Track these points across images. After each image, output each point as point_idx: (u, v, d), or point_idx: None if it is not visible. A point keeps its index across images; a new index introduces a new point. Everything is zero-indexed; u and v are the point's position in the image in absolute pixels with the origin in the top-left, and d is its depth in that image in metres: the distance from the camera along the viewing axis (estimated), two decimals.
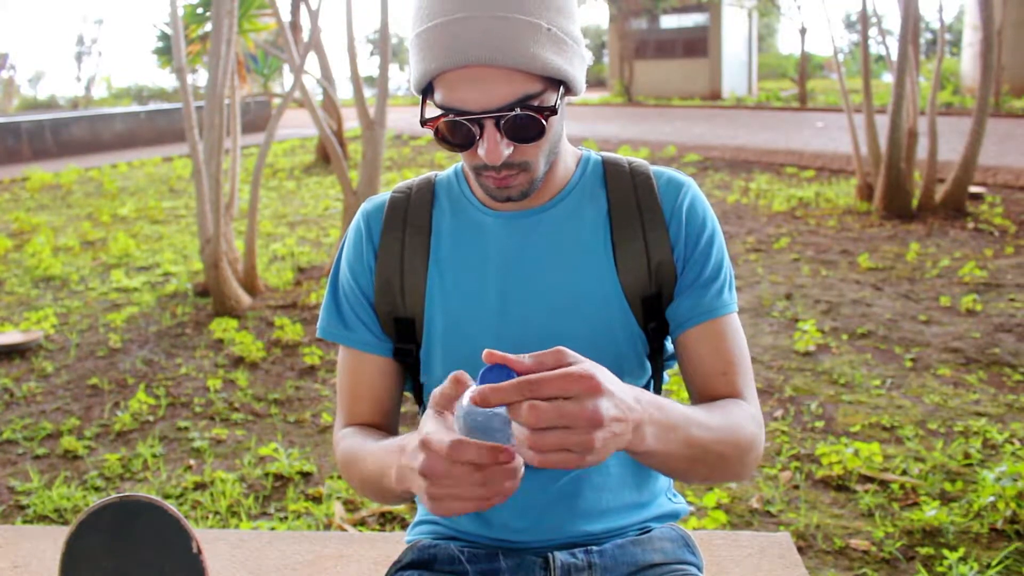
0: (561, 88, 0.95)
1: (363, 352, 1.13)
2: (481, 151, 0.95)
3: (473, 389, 0.75)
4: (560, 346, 0.78)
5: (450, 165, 1.19)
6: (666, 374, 1.19)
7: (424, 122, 0.96)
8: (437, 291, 1.08)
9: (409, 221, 1.11)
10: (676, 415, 0.89)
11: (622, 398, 0.78)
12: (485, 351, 0.76)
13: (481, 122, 0.93)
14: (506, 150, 0.95)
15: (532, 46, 0.91)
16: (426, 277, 1.09)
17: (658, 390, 1.16)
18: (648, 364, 1.11)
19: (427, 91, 0.97)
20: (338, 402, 1.16)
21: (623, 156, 1.15)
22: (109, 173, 12.64)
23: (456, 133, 0.95)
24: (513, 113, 0.92)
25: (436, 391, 0.82)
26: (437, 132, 0.96)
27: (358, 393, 1.13)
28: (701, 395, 1.07)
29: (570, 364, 0.76)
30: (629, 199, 1.09)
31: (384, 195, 1.15)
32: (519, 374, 0.75)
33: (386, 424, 1.14)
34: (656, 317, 1.09)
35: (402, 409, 1.17)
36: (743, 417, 1.01)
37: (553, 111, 0.94)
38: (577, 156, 1.13)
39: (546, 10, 0.93)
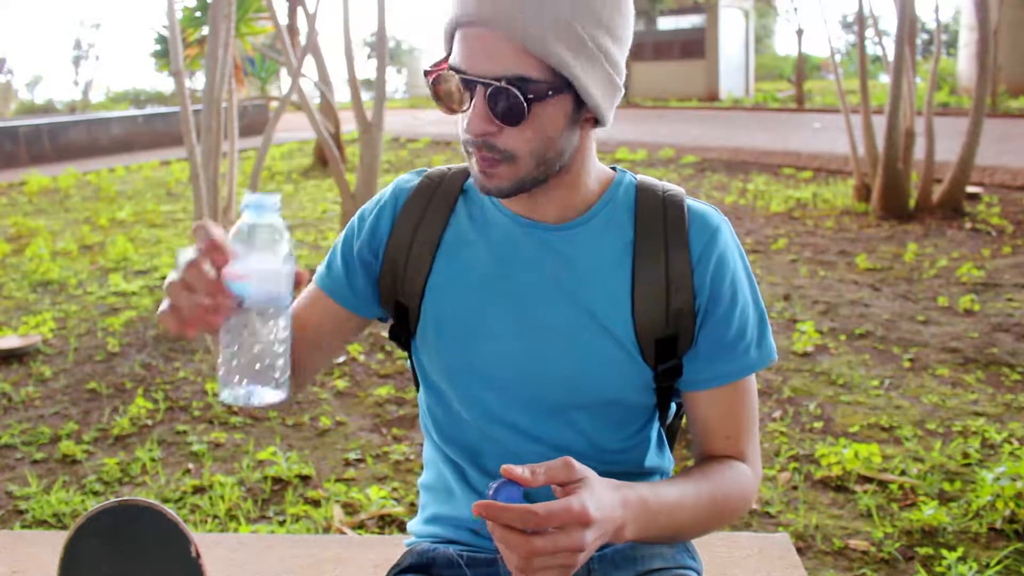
0: (568, 92, 0.93)
1: (321, 290, 1.11)
2: (466, 119, 0.95)
3: (481, 503, 0.80)
4: (568, 457, 0.84)
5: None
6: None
7: (427, 72, 0.97)
8: (442, 284, 1.06)
9: (428, 211, 1.08)
10: (662, 505, 0.93)
11: (607, 515, 0.84)
12: (503, 466, 0.82)
13: (473, 88, 0.93)
14: (489, 127, 0.93)
15: (547, 31, 0.89)
16: (429, 270, 1.06)
17: (663, 421, 1.14)
18: (654, 398, 1.08)
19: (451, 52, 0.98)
20: None
21: (659, 182, 1.08)
22: (107, 177, 12.64)
23: (447, 89, 0.95)
24: (498, 84, 0.90)
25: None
26: (432, 83, 0.96)
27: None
28: (702, 449, 1.08)
29: (577, 481, 0.83)
30: (657, 235, 1.02)
31: (420, 174, 1.13)
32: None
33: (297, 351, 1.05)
34: (671, 358, 1.03)
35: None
36: (736, 485, 1.03)
37: (539, 98, 0.91)
38: (608, 177, 1.07)
39: (584, 10, 0.92)
